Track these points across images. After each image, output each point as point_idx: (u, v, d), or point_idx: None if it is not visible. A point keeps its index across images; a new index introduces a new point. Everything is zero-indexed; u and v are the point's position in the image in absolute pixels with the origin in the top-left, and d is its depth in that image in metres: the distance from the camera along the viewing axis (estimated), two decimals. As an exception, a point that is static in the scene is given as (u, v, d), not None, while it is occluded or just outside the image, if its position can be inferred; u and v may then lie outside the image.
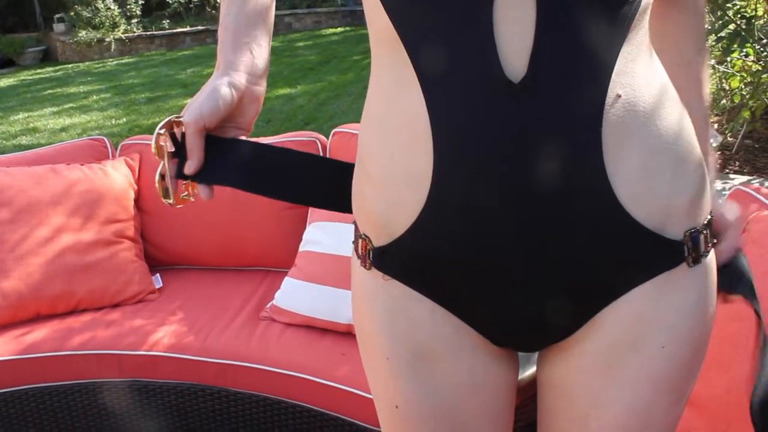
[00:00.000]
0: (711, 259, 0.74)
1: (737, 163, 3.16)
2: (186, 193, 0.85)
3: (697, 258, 0.71)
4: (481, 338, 0.77)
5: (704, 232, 0.72)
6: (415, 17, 0.67)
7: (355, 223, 0.81)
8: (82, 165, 2.11)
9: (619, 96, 0.65)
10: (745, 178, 2.72)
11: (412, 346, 0.77)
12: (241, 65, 0.80)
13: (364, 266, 0.78)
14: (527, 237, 0.66)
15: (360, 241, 0.79)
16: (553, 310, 0.71)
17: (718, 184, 2.63)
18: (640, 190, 0.66)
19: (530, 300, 0.71)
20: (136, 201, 2.14)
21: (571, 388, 0.77)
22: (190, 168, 0.80)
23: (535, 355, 0.83)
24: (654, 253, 0.69)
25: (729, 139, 3.36)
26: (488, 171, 0.65)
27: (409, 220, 0.70)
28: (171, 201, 0.83)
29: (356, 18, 11.44)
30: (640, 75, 0.67)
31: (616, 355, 0.72)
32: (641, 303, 0.70)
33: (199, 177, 0.82)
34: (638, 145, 0.66)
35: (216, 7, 11.37)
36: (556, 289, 0.69)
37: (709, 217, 0.73)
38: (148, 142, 2.25)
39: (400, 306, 0.76)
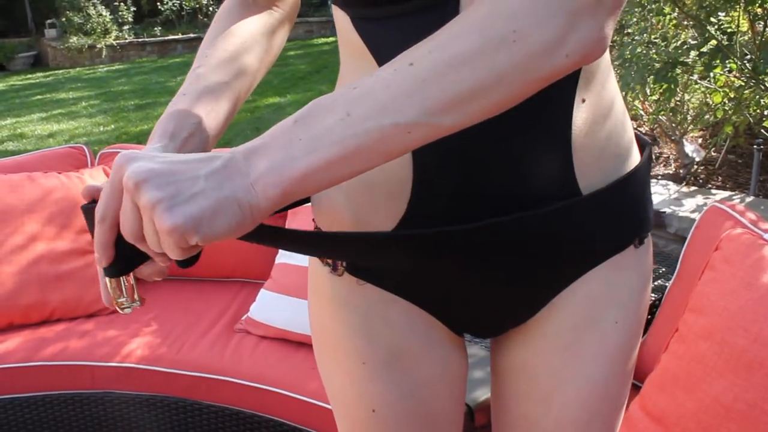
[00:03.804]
0: (650, 239, 0.81)
1: (720, 178, 3.17)
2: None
3: (641, 240, 0.77)
4: (446, 329, 0.80)
5: None
6: (383, 36, 0.67)
7: (318, 230, 0.80)
8: (59, 173, 2.09)
9: (584, 101, 0.68)
10: (727, 193, 2.72)
11: (389, 347, 0.78)
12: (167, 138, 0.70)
13: (336, 273, 0.78)
14: (505, 234, 0.68)
15: None
16: (521, 295, 0.75)
17: (700, 199, 2.63)
18: (596, 186, 0.71)
19: (501, 288, 0.74)
20: (114, 210, 2.12)
21: (534, 370, 0.79)
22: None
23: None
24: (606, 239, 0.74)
25: (712, 154, 3.37)
26: (467, 178, 0.67)
27: (388, 226, 0.71)
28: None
29: (348, 28, 11.44)
30: (598, 81, 0.70)
31: (575, 334, 0.76)
32: (596, 283, 0.74)
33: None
34: (597, 144, 0.70)
35: (208, 15, 11.37)
36: (525, 276, 0.73)
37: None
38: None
39: (376, 309, 0.77)
